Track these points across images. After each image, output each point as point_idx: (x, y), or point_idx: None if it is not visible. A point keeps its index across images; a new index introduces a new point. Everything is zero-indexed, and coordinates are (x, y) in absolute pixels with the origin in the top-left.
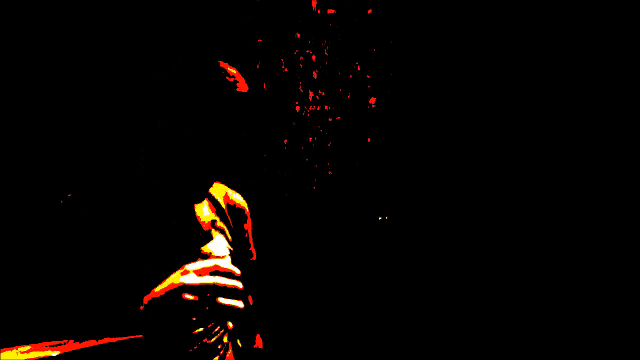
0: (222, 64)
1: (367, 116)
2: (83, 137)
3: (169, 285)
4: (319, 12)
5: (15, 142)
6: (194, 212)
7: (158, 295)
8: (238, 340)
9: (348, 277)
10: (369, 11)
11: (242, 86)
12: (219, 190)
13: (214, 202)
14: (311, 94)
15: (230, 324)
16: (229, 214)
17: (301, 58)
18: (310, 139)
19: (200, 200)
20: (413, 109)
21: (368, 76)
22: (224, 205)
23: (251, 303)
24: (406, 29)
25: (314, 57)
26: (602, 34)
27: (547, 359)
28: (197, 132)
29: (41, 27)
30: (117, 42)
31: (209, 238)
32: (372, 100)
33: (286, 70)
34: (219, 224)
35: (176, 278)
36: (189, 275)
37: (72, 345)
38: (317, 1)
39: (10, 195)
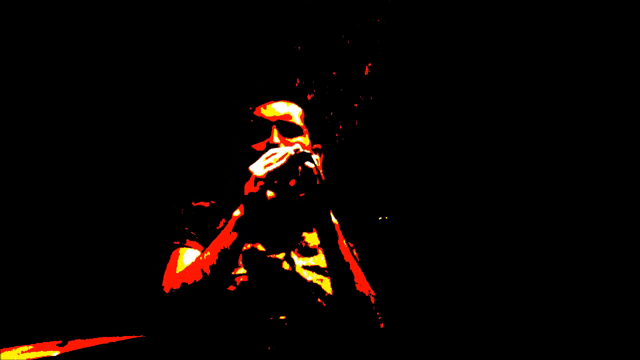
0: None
1: (367, 116)
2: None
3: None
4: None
5: (17, 143)
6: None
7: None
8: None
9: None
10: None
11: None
12: None
13: None
14: (310, 97)
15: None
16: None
17: (300, 81)
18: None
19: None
20: (413, 109)
21: (366, 74)
22: None
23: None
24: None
25: (315, 78)
26: (602, 34)
27: (547, 359)
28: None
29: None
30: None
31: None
32: (372, 100)
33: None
34: None
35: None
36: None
37: (72, 345)
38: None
39: (11, 195)
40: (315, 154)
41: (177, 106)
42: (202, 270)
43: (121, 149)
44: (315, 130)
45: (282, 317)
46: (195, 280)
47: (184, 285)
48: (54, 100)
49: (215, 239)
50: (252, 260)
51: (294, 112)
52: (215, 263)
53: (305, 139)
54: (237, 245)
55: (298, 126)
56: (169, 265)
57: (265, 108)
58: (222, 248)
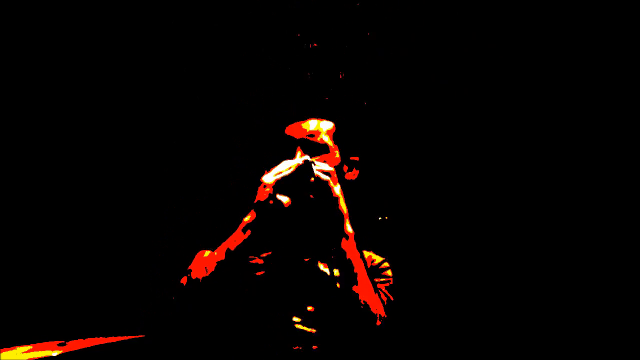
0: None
1: (367, 117)
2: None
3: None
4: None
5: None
6: None
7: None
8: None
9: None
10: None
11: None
12: None
13: None
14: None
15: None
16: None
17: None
18: None
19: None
20: (412, 110)
21: (366, 76)
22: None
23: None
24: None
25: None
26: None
27: (547, 359)
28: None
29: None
30: None
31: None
32: (371, 102)
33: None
34: None
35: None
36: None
37: (72, 345)
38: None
39: (11, 196)
40: (329, 168)
41: (205, 114)
42: (206, 269)
43: (124, 148)
44: (350, 144)
45: (296, 319)
46: (198, 278)
47: (189, 280)
48: (78, 106)
49: (225, 242)
50: (274, 264)
51: (322, 129)
52: (219, 263)
53: (332, 156)
54: (242, 248)
55: (324, 144)
56: (192, 265)
57: (293, 127)
58: (228, 249)
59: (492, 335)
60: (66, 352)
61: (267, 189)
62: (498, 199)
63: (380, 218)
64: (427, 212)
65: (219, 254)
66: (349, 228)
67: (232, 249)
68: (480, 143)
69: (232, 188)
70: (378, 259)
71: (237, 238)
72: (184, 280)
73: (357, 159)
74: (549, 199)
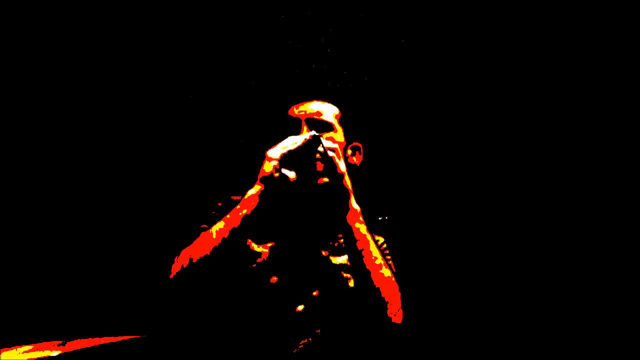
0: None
1: (367, 117)
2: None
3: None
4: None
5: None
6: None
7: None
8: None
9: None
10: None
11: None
12: None
13: None
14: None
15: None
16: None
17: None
18: None
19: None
20: (413, 110)
21: (366, 77)
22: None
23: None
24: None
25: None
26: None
27: (547, 359)
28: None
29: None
30: None
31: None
32: (372, 102)
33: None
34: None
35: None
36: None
37: (72, 345)
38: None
39: (11, 196)
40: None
41: (209, 106)
42: (208, 245)
43: (124, 148)
44: (356, 129)
45: (299, 309)
46: (200, 257)
47: (190, 260)
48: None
49: (226, 216)
50: (280, 252)
51: (327, 110)
52: (222, 240)
53: (337, 136)
54: (246, 223)
55: (329, 123)
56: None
57: (298, 107)
58: (231, 224)
59: (491, 336)
60: (66, 352)
61: (273, 164)
62: (498, 199)
63: (380, 218)
64: (427, 212)
65: (224, 228)
66: (354, 204)
67: (236, 224)
68: (480, 144)
69: (232, 188)
70: (381, 239)
71: (239, 214)
72: (185, 257)
73: (359, 144)
74: (547, 196)
